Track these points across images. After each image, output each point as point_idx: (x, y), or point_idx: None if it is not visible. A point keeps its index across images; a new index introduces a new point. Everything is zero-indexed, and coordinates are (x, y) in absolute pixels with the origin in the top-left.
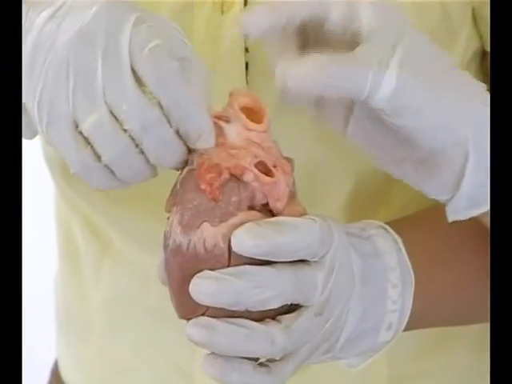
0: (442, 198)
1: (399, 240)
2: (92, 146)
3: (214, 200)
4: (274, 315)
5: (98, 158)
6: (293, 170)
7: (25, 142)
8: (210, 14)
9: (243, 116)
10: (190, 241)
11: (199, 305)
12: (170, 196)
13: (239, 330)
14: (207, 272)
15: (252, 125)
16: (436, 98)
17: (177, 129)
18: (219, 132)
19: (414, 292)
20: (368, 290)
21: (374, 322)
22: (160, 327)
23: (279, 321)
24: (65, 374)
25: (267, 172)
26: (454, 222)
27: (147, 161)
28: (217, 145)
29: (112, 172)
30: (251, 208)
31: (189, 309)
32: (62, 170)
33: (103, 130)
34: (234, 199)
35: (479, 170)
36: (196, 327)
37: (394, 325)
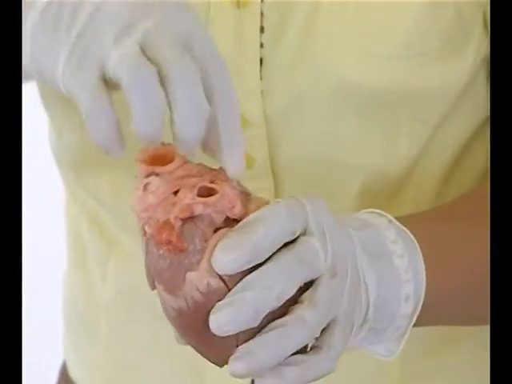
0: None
1: (387, 214)
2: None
3: (182, 251)
4: (295, 302)
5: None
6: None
7: (34, 143)
8: (226, 7)
9: (159, 168)
10: (185, 297)
11: (228, 340)
12: (147, 277)
13: (273, 333)
14: (217, 304)
15: (166, 169)
16: None
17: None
18: (156, 189)
19: (426, 276)
20: (374, 259)
21: (391, 290)
22: (168, 324)
23: (302, 302)
24: (73, 373)
25: (210, 192)
26: (466, 217)
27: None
28: (160, 201)
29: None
30: (217, 230)
31: (222, 352)
32: (71, 166)
33: (132, 56)
34: (197, 236)
35: None
36: (235, 362)
37: (411, 296)
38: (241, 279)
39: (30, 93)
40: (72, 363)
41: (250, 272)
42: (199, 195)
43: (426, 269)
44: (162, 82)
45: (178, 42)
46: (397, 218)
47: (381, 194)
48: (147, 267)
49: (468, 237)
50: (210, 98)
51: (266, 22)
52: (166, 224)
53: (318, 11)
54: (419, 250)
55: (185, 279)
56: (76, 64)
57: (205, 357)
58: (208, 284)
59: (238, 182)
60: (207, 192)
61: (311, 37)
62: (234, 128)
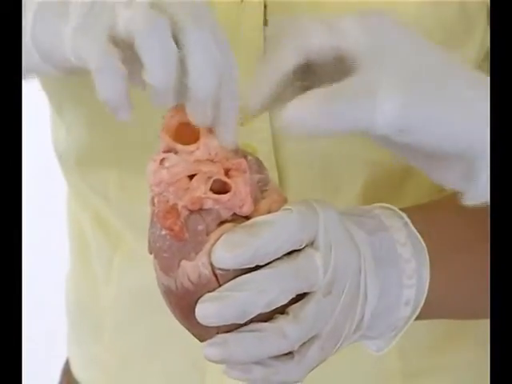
0: (456, 187)
1: (404, 215)
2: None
3: (181, 240)
4: (283, 310)
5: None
6: (249, 166)
7: (35, 142)
8: (229, 0)
9: (180, 146)
10: (175, 280)
11: (209, 326)
12: (148, 241)
13: (250, 336)
14: (207, 295)
15: (186, 148)
16: (439, 109)
17: None
18: (171, 166)
19: (430, 273)
20: (381, 266)
21: (393, 297)
22: (172, 322)
23: (287, 313)
24: (77, 372)
25: (224, 185)
26: (468, 208)
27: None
28: (174, 181)
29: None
30: (222, 223)
31: (203, 333)
32: (77, 163)
33: (144, 10)
34: (200, 228)
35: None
36: (210, 347)
37: (411, 301)
38: (234, 277)
39: (29, 92)
40: (76, 362)
41: (245, 272)
42: (213, 187)
43: (430, 265)
44: (175, 34)
45: (185, 4)
46: (400, 209)
47: (384, 186)
48: (149, 236)
49: (471, 228)
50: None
51: (270, 14)
52: (173, 209)
53: (321, 3)
54: (427, 256)
55: (179, 266)
56: (85, 28)
57: (187, 330)
58: (199, 276)
59: (260, 164)
60: (221, 186)
61: None
62: (233, 103)
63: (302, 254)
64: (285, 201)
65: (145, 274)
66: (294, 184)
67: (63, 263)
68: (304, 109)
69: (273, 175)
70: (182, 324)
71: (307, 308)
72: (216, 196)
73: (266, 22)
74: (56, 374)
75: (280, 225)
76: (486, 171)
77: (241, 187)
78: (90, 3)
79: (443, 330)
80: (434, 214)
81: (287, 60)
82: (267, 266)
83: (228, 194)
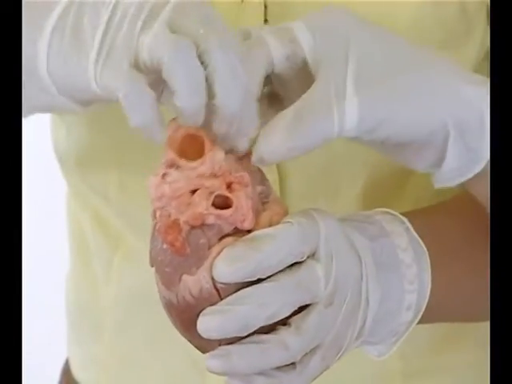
0: (425, 171)
1: (405, 220)
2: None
3: (182, 255)
4: (285, 321)
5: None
6: (252, 178)
7: (35, 142)
8: (229, 1)
9: (183, 161)
10: (177, 294)
11: (211, 339)
12: (149, 251)
13: (253, 348)
14: (209, 308)
15: (189, 164)
16: (403, 99)
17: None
18: (173, 182)
19: (432, 276)
20: (383, 271)
21: (394, 302)
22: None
23: (289, 324)
24: (76, 372)
25: (225, 200)
26: (467, 213)
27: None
28: (176, 196)
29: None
30: (223, 237)
31: (204, 345)
32: (78, 163)
33: (166, 34)
34: (201, 243)
35: (461, 146)
36: (213, 359)
37: (413, 305)
38: (235, 291)
39: None
40: (75, 362)
41: (247, 285)
42: (215, 202)
43: (431, 270)
44: (199, 55)
45: (203, 21)
46: (401, 214)
47: (384, 186)
48: (150, 249)
49: (470, 233)
50: None
51: (270, 14)
52: (175, 224)
53: (320, 3)
54: (428, 260)
55: (180, 280)
56: (106, 56)
57: (189, 342)
58: (201, 290)
59: (262, 175)
60: (223, 200)
61: None
62: (254, 116)
63: (303, 266)
64: (286, 212)
65: (145, 273)
66: (294, 185)
67: (63, 263)
68: (272, 141)
69: (273, 176)
70: (184, 336)
71: (309, 319)
72: (218, 211)
73: (266, 22)
74: (56, 373)
75: (281, 238)
76: (451, 156)
77: (242, 202)
78: (103, 29)
79: (443, 331)
80: (434, 218)
81: (253, 81)
82: (269, 279)
83: (230, 209)
